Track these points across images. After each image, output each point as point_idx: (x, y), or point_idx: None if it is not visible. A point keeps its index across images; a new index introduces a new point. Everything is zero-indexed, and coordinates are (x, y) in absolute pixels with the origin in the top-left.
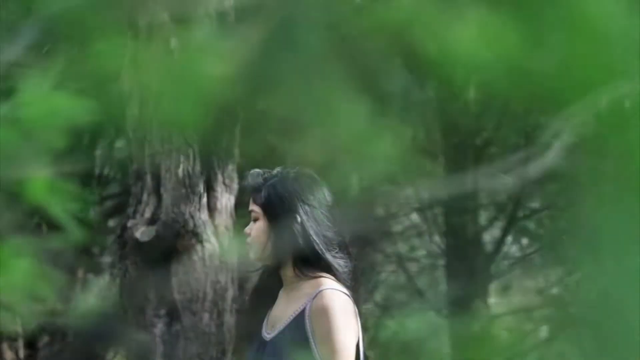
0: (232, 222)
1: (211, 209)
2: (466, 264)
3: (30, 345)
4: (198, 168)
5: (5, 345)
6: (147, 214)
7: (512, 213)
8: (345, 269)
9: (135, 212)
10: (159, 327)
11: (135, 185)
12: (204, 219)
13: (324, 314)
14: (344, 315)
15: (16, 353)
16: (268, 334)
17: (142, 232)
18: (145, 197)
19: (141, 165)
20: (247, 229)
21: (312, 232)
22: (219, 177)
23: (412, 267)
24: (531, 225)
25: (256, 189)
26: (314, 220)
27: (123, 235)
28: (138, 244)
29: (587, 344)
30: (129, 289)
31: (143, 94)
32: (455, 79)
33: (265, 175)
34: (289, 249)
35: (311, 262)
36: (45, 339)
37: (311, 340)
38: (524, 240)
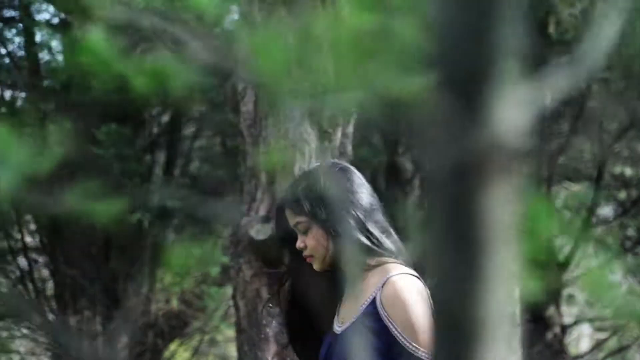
0: None
1: None
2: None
3: (110, 345)
4: (313, 164)
5: (85, 345)
6: (262, 212)
7: (585, 219)
8: (403, 250)
9: (249, 209)
10: (273, 325)
11: (249, 183)
12: None
13: (398, 299)
14: (417, 298)
15: (96, 353)
16: (339, 327)
17: (256, 230)
18: (259, 194)
19: (255, 163)
20: (299, 244)
21: (367, 220)
22: None
23: None
24: (604, 234)
25: (295, 201)
26: (363, 208)
27: (237, 234)
28: (252, 242)
29: None
30: (242, 288)
31: (258, 89)
32: None
33: (297, 182)
34: (351, 245)
35: (372, 251)
36: None
37: (391, 327)
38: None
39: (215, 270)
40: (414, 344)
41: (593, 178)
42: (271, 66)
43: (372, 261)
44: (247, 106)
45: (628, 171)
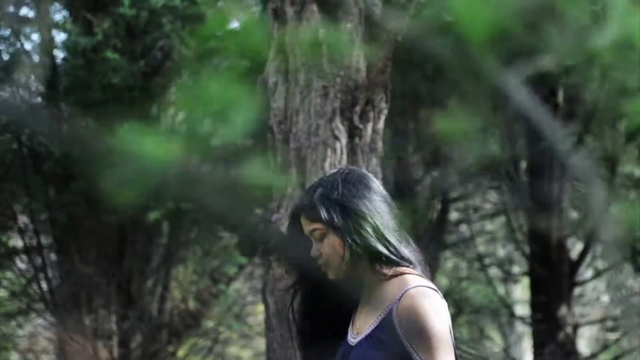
0: None
1: None
2: (551, 271)
3: (124, 344)
4: (344, 161)
5: (100, 344)
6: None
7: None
8: (421, 261)
9: (279, 206)
10: None
11: (279, 180)
12: None
13: (415, 314)
14: (436, 312)
15: (110, 352)
16: (354, 338)
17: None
18: (289, 190)
19: (285, 159)
20: (314, 252)
21: (383, 228)
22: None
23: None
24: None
25: (311, 207)
26: (379, 215)
27: (267, 230)
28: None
29: None
30: (271, 285)
31: (288, 85)
32: None
33: (313, 189)
34: (367, 253)
35: (389, 260)
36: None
37: (406, 343)
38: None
39: (232, 270)
40: None
41: (605, 178)
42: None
43: (390, 271)
44: (277, 102)
45: (637, 172)
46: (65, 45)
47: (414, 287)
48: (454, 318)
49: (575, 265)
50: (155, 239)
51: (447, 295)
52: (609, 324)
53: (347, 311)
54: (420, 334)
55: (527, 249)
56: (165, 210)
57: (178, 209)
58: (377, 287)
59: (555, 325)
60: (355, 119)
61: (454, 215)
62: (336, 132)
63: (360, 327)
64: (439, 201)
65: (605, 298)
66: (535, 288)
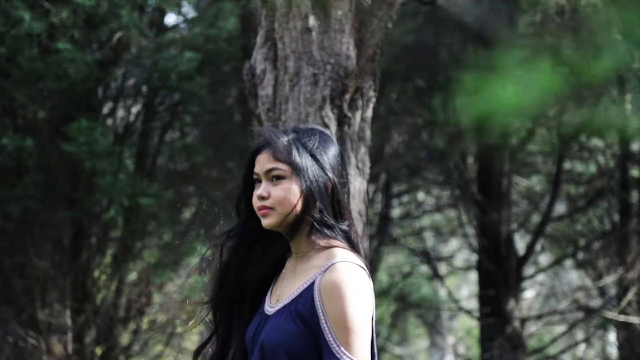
0: (365, 207)
1: None
2: (499, 265)
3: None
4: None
5: (54, 339)
6: None
7: (544, 215)
8: (358, 238)
9: None
10: None
11: None
12: None
13: (337, 289)
14: (359, 291)
15: (65, 347)
16: (271, 307)
17: None
18: None
19: None
20: (262, 192)
21: (340, 195)
22: (352, 160)
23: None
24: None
25: (283, 145)
26: (340, 183)
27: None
28: None
29: None
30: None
31: (277, 72)
32: None
33: (287, 131)
34: (317, 213)
35: (329, 229)
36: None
37: (322, 317)
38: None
39: (195, 261)
40: (340, 345)
41: (546, 173)
42: None
43: (322, 241)
44: (265, 90)
45: (576, 167)
46: (18, 33)
47: (342, 261)
48: (398, 314)
49: (523, 259)
50: (111, 233)
51: (389, 290)
52: (556, 317)
53: (264, 278)
54: (338, 312)
55: (475, 243)
56: (122, 207)
57: (136, 205)
58: (305, 256)
59: (503, 319)
60: (345, 107)
61: (399, 210)
62: (326, 119)
63: (281, 296)
64: (383, 196)
65: (551, 292)
66: (483, 282)
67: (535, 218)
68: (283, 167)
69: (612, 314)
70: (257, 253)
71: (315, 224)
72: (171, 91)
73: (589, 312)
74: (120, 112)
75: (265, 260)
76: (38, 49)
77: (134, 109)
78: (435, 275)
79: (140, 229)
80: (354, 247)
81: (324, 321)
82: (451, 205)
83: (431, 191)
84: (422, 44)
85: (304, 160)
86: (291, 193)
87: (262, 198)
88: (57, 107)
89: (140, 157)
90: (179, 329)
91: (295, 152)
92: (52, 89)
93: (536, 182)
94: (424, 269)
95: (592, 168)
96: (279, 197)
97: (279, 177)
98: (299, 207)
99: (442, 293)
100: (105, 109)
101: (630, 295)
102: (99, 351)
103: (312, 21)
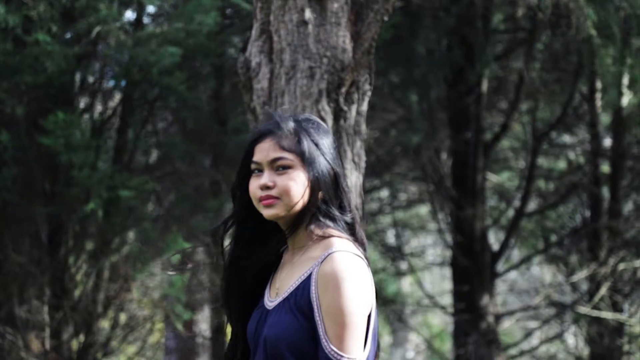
0: (361, 202)
1: None
2: (473, 261)
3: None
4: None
5: (32, 336)
6: None
7: (517, 211)
8: (359, 228)
9: None
10: None
11: None
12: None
13: (331, 280)
14: (355, 283)
15: (42, 344)
16: (271, 302)
17: None
18: None
19: None
20: (267, 181)
21: (344, 185)
22: (348, 154)
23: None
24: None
25: (289, 134)
26: (342, 174)
27: None
28: None
29: None
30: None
31: (273, 65)
32: None
33: (291, 119)
34: (322, 204)
35: (333, 220)
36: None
37: (316, 309)
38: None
39: (176, 257)
40: (329, 340)
41: (515, 168)
42: None
43: (319, 231)
44: (260, 83)
45: (545, 163)
46: None
47: (339, 250)
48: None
49: (497, 255)
50: (90, 227)
51: None
52: (530, 313)
53: (261, 272)
54: (331, 303)
55: (449, 239)
56: (102, 199)
57: (116, 198)
58: (303, 248)
59: (477, 315)
60: (341, 100)
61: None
62: (322, 113)
63: (280, 289)
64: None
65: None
66: (457, 278)
67: (503, 213)
68: (289, 157)
69: (584, 309)
70: (254, 245)
71: (319, 215)
72: (151, 86)
73: (563, 307)
74: (98, 106)
75: (262, 253)
76: (13, 42)
77: (112, 103)
78: (411, 271)
79: (119, 223)
80: (355, 237)
81: (317, 313)
82: (423, 200)
83: (404, 187)
84: (397, 39)
85: (311, 149)
86: (298, 183)
87: (266, 188)
88: (34, 101)
89: (118, 151)
90: (158, 325)
91: (304, 142)
92: (29, 83)
93: (506, 178)
94: (393, 264)
95: (562, 164)
96: (286, 187)
97: (285, 167)
98: (305, 198)
99: (409, 289)
100: (83, 103)
101: (603, 291)
102: (76, 347)
103: (308, 14)
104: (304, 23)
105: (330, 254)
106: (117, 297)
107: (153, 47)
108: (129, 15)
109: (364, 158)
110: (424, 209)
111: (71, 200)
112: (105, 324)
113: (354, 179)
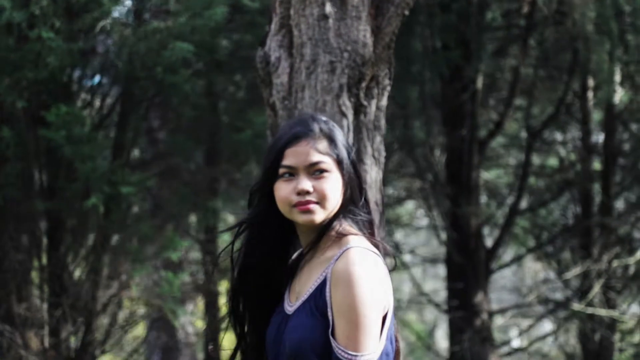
0: (381, 197)
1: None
2: (468, 258)
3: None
4: (350, 139)
5: (31, 333)
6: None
7: (511, 208)
8: (376, 224)
9: None
10: None
11: None
12: None
13: (343, 277)
14: (368, 280)
15: (42, 341)
16: (291, 306)
17: None
18: None
19: None
20: (306, 186)
21: (363, 186)
22: (369, 149)
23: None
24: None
25: (327, 137)
26: (360, 174)
27: None
28: None
29: None
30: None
31: (293, 60)
32: None
33: (322, 122)
34: (352, 206)
35: (353, 220)
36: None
37: (329, 307)
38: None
39: (176, 255)
40: (337, 340)
41: (505, 165)
42: None
43: (335, 231)
44: (280, 78)
45: (536, 160)
46: None
47: (354, 247)
48: None
49: (491, 252)
50: (90, 224)
51: None
52: (524, 310)
53: (278, 277)
54: (342, 302)
55: (444, 236)
56: (103, 194)
57: (117, 193)
58: (320, 249)
59: (472, 312)
60: (362, 95)
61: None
62: (343, 108)
63: (300, 293)
64: None
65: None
66: (452, 275)
67: (496, 210)
68: (327, 160)
69: (579, 306)
70: (268, 250)
71: (344, 216)
72: (155, 82)
73: (557, 304)
74: (99, 101)
75: (277, 258)
76: (16, 38)
77: (113, 99)
78: (403, 268)
79: (120, 220)
80: (373, 235)
81: (330, 312)
82: (412, 197)
83: (399, 183)
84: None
85: (343, 152)
86: (336, 187)
87: (305, 193)
88: (35, 97)
89: (117, 147)
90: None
91: (338, 144)
92: (30, 79)
93: (496, 176)
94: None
95: (554, 161)
96: (326, 191)
97: (323, 171)
98: (344, 199)
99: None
100: (84, 97)
101: (597, 288)
102: (75, 345)
103: (328, 8)
104: (325, 17)
105: (345, 250)
106: (116, 295)
107: (154, 43)
108: (128, 3)
109: (383, 153)
110: (412, 206)
111: (71, 196)
112: (104, 322)
113: (374, 174)
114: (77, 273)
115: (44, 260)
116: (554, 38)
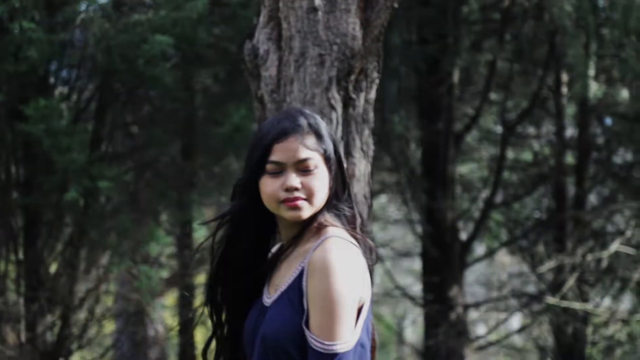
0: (370, 191)
1: (349, 176)
2: (443, 252)
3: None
4: (339, 133)
5: (7, 328)
6: None
7: (487, 202)
8: (355, 217)
9: None
10: None
11: None
12: None
13: (319, 265)
14: (346, 270)
15: (18, 336)
16: (269, 298)
17: None
18: None
19: None
20: (295, 183)
21: (348, 181)
22: (357, 142)
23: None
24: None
25: (315, 132)
26: (344, 169)
27: None
28: None
29: None
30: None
31: (282, 53)
32: None
33: (309, 116)
34: (335, 200)
35: (336, 214)
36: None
37: (305, 297)
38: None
39: (155, 250)
40: (310, 330)
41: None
42: None
43: (316, 223)
44: (269, 71)
45: (510, 154)
46: None
47: (332, 236)
48: None
49: (466, 246)
50: (67, 219)
51: None
52: (497, 304)
53: (256, 271)
54: (317, 290)
55: (420, 230)
56: (82, 188)
57: (95, 188)
58: (300, 241)
59: (447, 306)
60: (350, 88)
61: None
62: (332, 101)
63: (279, 284)
64: None
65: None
66: (427, 269)
67: (470, 204)
68: (315, 156)
69: (553, 300)
70: (249, 245)
71: (333, 211)
72: (134, 75)
73: (532, 298)
74: (77, 95)
75: (258, 249)
76: None
77: (90, 92)
78: (379, 261)
79: (98, 215)
80: (354, 228)
81: (305, 301)
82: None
83: (374, 177)
84: None
85: (330, 147)
86: (324, 183)
87: (294, 189)
88: (14, 90)
89: (95, 140)
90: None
91: (325, 139)
92: (10, 72)
93: (469, 170)
94: None
95: (528, 155)
96: (314, 188)
97: (311, 167)
98: (330, 195)
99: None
100: (62, 91)
101: (571, 282)
102: (52, 339)
103: (317, 1)
104: (314, 10)
105: (323, 240)
106: (94, 289)
107: (134, 36)
108: None
109: (372, 147)
110: (384, 199)
111: (49, 190)
112: (82, 316)
113: (362, 168)
114: (53, 267)
115: (21, 254)
116: (531, 32)
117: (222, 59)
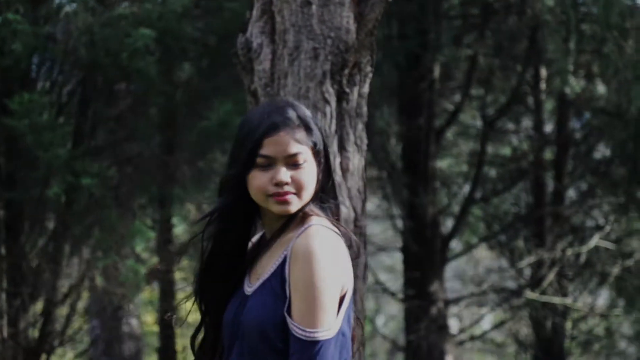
0: (363, 185)
1: (343, 171)
2: (424, 247)
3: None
4: (334, 127)
5: None
6: None
7: (467, 197)
8: (336, 209)
9: None
10: None
11: None
12: (338, 180)
13: (302, 252)
14: (328, 257)
15: (0, 331)
16: (250, 287)
17: None
18: None
19: None
20: (284, 177)
21: (333, 174)
22: (351, 136)
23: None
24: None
25: (305, 126)
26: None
27: None
28: None
29: None
30: None
31: (275, 46)
32: None
33: (290, 107)
34: (321, 194)
35: (321, 206)
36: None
37: (287, 284)
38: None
39: (140, 246)
40: (292, 317)
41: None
42: None
43: (301, 212)
44: (262, 64)
45: (489, 149)
46: None
47: (315, 224)
48: None
49: (446, 241)
50: (50, 214)
51: None
52: (477, 299)
53: (239, 261)
54: (299, 277)
55: (401, 225)
56: (65, 184)
57: (77, 184)
58: (283, 231)
59: (428, 301)
60: (344, 82)
61: None
62: (326, 95)
63: (261, 273)
64: None
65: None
66: (408, 264)
67: (449, 199)
68: (305, 150)
69: (533, 295)
70: (235, 237)
71: (318, 204)
72: (118, 69)
73: (511, 293)
74: (61, 88)
75: (244, 241)
76: None
77: (73, 86)
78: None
79: (81, 210)
80: (338, 219)
81: (287, 288)
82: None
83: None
84: None
85: (319, 140)
86: (313, 177)
87: (284, 184)
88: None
89: (78, 134)
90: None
91: (315, 133)
92: None
93: (448, 165)
94: None
95: (506, 150)
96: (304, 182)
97: (303, 161)
98: (318, 188)
99: None
100: (45, 85)
101: (551, 276)
102: (34, 335)
103: None
104: (308, 3)
105: (306, 228)
106: (77, 285)
107: (119, 30)
108: None
109: (365, 140)
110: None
111: (32, 185)
112: (64, 312)
113: (356, 162)
114: (36, 262)
115: (3, 249)
116: (512, 27)
117: (206, 52)
